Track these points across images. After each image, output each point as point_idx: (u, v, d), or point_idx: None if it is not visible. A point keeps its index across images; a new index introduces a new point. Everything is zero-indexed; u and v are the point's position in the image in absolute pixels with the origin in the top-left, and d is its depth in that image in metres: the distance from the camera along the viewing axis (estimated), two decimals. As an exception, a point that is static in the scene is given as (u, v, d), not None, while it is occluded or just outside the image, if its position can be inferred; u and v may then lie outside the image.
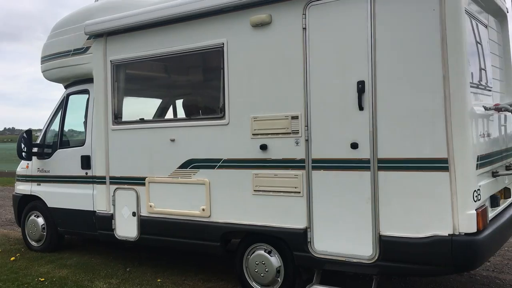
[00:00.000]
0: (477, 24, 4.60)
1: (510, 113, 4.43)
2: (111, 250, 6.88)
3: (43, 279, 5.69)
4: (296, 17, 4.55)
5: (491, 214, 4.36)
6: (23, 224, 7.33)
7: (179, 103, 5.97)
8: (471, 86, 4.13)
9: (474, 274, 5.64)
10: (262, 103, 4.80)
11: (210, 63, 5.27)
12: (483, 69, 4.81)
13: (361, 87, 4.21)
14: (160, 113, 6.14)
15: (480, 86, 4.55)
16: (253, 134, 4.84)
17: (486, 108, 4.30)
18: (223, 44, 5.01)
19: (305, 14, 4.50)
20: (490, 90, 4.90)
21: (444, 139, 3.87)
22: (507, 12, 5.39)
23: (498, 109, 4.34)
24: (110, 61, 5.93)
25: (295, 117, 4.58)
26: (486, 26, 4.92)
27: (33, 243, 7.19)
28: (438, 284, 5.27)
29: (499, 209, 4.56)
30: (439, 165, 3.90)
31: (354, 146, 4.27)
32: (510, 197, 5.01)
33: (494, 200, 4.41)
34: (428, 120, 3.95)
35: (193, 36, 5.23)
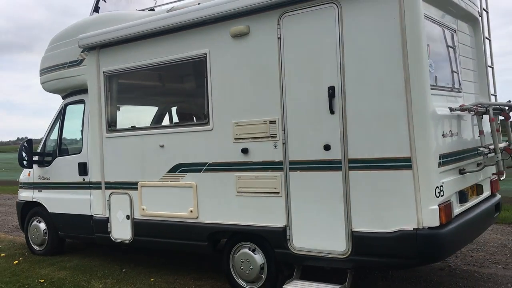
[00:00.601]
0: (443, 30, 4.86)
1: (473, 113, 4.63)
2: (109, 253, 7.18)
3: (42, 280, 6.01)
4: (272, 27, 4.83)
5: (459, 209, 4.59)
6: (26, 229, 7.67)
7: (167, 110, 6.28)
8: (434, 89, 4.40)
9: (455, 268, 5.87)
10: (242, 109, 5.08)
11: (194, 72, 5.56)
12: (454, 72, 5.07)
13: (331, 92, 4.48)
14: (150, 121, 6.43)
15: (447, 88, 4.81)
16: (235, 139, 5.13)
17: (452, 109, 4.55)
18: (206, 54, 5.31)
19: (279, 24, 4.78)
20: (460, 92, 5.15)
21: (407, 140, 4.13)
22: (479, 16, 5.62)
23: (463, 109, 4.57)
24: (103, 72, 6.25)
25: (273, 122, 4.86)
26: (455, 31, 5.17)
27: (36, 247, 7.52)
28: (418, 278, 5.50)
29: (468, 204, 4.78)
30: (403, 164, 4.15)
31: (327, 148, 4.54)
32: (482, 193, 5.23)
33: (462, 196, 4.65)
34: (392, 122, 4.20)
35: (179, 47, 5.54)
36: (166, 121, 6.32)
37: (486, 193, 5.40)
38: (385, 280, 5.50)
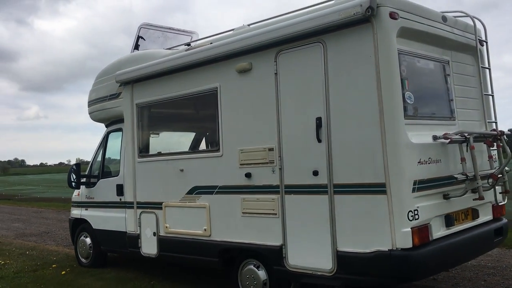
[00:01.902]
0: (430, 63, 5.15)
1: (447, 141, 4.79)
2: (145, 267, 7.88)
3: (81, 289, 6.80)
4: (270, 64, 5.36)
5: (443, 232, 4.81)
6: (75, 243, 8.59)
7: (187, 137, 6.94)
8: (413, 118, 4.71)
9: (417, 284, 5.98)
10: (246, 137, 5.62)
11: (209, 104, 6.16)
12: (445, 101, 5.33)
13: (318, 122, 4.91)
14: (172, 147, 7.10)
15: (433, 117, 5.08)
16: (240, 164, 5.66)
17: (435, 137, 4.81)
18: (217, 88, 5.93)
19: (276, 61, 5.30)
20: (453, 120, 5.38)
21: (382, 167, 4.46)
22: (481, 45, 5.80)
23: (445, 138, 4.80)
24: (136, 104, 7.05)
25: (271, 149, 5.35)
26: (448, 62, 5.43)
27: (83, 260, 8.40)
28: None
29: (455, 228, 4.97)
30: (378, 189, 4.49)
31: (315, 173, 4.95)
32: (478, 218, 5.38)
33: (448, 220, 4.88)
34: (369, 150, 4.56)
35: (196, 81, 6.20)
36: (185, 147, 6.96)
37: (486, 217, 5.53)
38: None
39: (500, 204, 5.68)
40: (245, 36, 5.57)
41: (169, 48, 7.24)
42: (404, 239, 4.37)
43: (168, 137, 7.22)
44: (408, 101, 4.71)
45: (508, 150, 5.04)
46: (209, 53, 5.92)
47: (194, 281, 6.94)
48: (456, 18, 5.60)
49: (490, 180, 5.16)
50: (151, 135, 7.12)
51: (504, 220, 5.83)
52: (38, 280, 7.47)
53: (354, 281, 4.73)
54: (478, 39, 5.69)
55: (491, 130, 5.14)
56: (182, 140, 7.05)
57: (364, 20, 4.57)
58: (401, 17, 4.65)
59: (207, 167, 6.08)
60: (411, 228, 4.38)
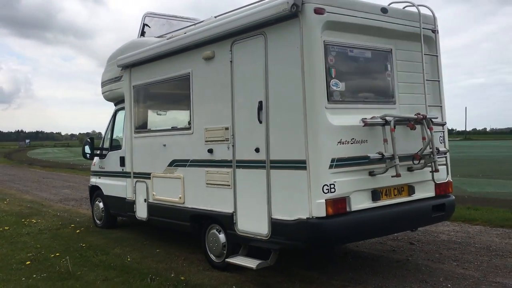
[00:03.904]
0: (366, 51, 5.61)
1: (363, 124, 5.24)
2: (148, 230, 8.90)
3: (84, 245, 7.92)
4: (227, 53, 6.04)
5: (368, 205, 5.35)
6: (92, 207, 9.77)
7: (170, 116, 7.79)
8: (339, 103, 5.26)
9: (413, 262, 6.50)
10: (210, 117, 6.37)
11: (184, 87, 6.92)
12: (391, 86, 5.78)
13: (259, 105, 5.57)
14: (158, 125, 7.92)
15: (366, 102, 5.58)
16: (205, 141, 6.43)
17: (364, 120, 5.31)
18: (190, 73, 6.69)
19: (231, 50, 5.98)
20: (393, 104, 5.84)
21: (304, 146, 5.08)
22: (433, 32, 6.15)
23: (362, 121, 5.25)
24: (133, 86, 7.96)
25: (227, 128, 6.07)
26: (390, 51, 5.85)
27: (97, 221, 9.59)
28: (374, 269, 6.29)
29: (382, 202, 5.50)
30: (301, 165, 5.11)
31: (257, 150, 5.64)
32: (414, 194, 5.86)
33: (374, 195, 5.43)
34: (295, 131, 5.17)
35: (175, 67, 7.00)
36: (168, 125, 7.78)
37: (425, 194, 5.98)
38: (340, 264, 6.38)
39: (442, 182, 6.09)
40: (207, 27, 6.28)
41: (159, 36, 8.03)
42: (318, 209, 4.99)
43: (156, 116, 8.08)
44: (334, 88, 5.25)
45: (428, 133, 5.45)
46: (181, 42, 6.69)
47: (181, 242, 7.85)
48: (405, 8, 5.99)
49: (422, 161, 5.64)
50: (144, 114, 8.03)
51: (449, 198, 6.24)
52: (56, 236, 8.70)
53: (284, 244, 5.42)
54: (427, 27, 6.04)
55: (415, 114, 5.54)
56: (165, 118, 7.88)
57: (293, 15, 5.14)
58: (328, 12, 5.16)
59: (182, 143, 6.91)
60: (325, 200, 4.99)
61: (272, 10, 5.30)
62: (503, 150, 45.33)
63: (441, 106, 6.16)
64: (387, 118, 5.33)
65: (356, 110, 5.46)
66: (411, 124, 5.48)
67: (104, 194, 9.18)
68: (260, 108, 5.57)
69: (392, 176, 5.35)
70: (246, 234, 5.83)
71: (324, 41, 5.19)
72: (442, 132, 6.14)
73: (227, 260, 6.00)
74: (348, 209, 5.19)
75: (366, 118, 5.32)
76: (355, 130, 5.31)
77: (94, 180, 9.65)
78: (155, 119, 7.89)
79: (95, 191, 9.66)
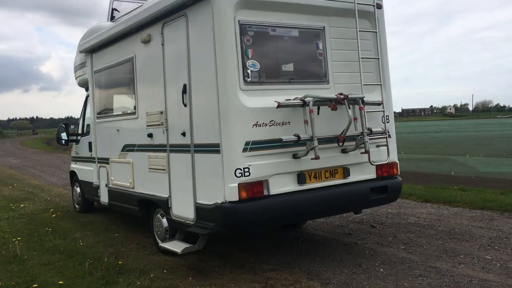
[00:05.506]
0: (288, 31, 5.39)
1: (277, 105, 5.01)
2: (121, 214, 9.00)
3: (50, 229, 8.10)
4: (159, 35, 5.96)
5: (292, 188, 5.22)
6: (72, 192, 9.98)
7: (123, 101, 7.78)
8: (257, 84, 5.13)
9: (361, 245, 6.34)
10: (150, 101, 6.34)
11: (130, 71, 6.90)
12: (323, 65, 5.57)
13: (184, 88, 5.48)
14: (114, 110, 7.90)
15: (291, 82, 5.40)
16: (147, 126, 6.41)
17: (279, 103, 5.11)
18: (133, 57, 6.66)
19: (162, 33, 5.90)
20: (326, 83, 5.63)
21: (218, 129, 4.98)
22: (378, 8, 5.87)
23: (279, 104, 5.06)
24: (94, 71, 8.01)
25: (161, 112, 6.03)
26: (322, 28, 5.63)
27: (76, 206, 9.79)
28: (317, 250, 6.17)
29: (309, 185, 5.34)
30: (216, 149, 5.02)
31: (184, 134, 5.57)
32: (349, 176, 5.67)
33: (300, 178, 5.29)
34: (211, 114, 5.07)
35: (122, 51, 6.98)
36: (121, 110, 7.77)
37: (364, 176, 5.78)
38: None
39: (382, 163, 5.86)
40: (142, 10, 6.20)
41: (112, 20, 7.98)
42: (231, 193, 4.90)
43: (112, 102, 8.10)
44: (251, 69, 5.10)
45: (350, 113, 5.21)
46: (123, 26, 6.65)
47: (145, 226, 7.90)
48: None
49: (354, 142, 5.45)
50: (103, 99, 8.06)
51: (393, 179, 6.01)
52: (31, 221, 8.94)
53: (207, 228, 5.35)
54: (366, 3, 5.78)
55: (337, 94, 5.29)
56: (119, 104, 7.89)
57: (206, -5, 5.00)
58: (242, -9, 4.99)
59: (131, 128, 6.92)
60: (238, 184, 4.89)
61: None
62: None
63: (380, 84, 5.89)
64: (306, 99, 5.15)
65: (279, 92, 5.28)
66: (332, 105, 5.26)
67: (79, 179, 9.35)
68: (184, 91, 5.49)
69: (311, 159, 5.16)
70: (179, 219, 5.80)
71: (239, 21, 5.03)
72: (383, 112, 5.88)
73: (160, 244, 6.01)
74: (266, 193, 5.08)
75: (281, 100, 5.12)
76: (274, 112, 5.14)
77: (72, 166, 9.83)
78: (111, 105, 7.91)
79: (73, 176, 9.85)
